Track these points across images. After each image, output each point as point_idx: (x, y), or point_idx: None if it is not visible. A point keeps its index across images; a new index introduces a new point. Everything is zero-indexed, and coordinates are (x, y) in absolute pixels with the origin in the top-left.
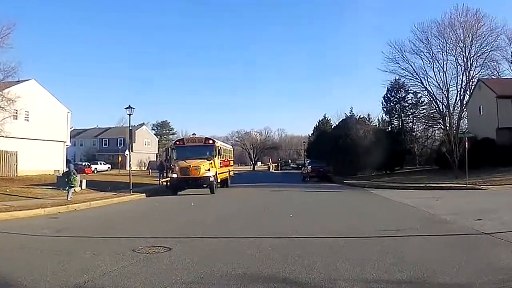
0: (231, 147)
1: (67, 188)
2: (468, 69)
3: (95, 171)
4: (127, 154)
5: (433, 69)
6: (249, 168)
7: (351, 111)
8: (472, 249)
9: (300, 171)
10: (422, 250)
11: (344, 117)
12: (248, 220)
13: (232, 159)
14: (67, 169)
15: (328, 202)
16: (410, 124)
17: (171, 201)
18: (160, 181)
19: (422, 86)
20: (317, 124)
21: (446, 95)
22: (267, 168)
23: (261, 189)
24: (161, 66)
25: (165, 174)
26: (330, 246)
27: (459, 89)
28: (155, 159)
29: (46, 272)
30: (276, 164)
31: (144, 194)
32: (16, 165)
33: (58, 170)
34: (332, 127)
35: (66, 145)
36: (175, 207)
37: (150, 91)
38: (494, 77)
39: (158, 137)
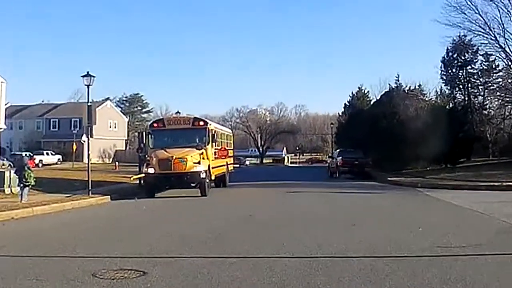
0: (230, 130)
1: (20, 187)
2: None
3: (40, 165)
4: (84, 141)
5: None
6: (255, 161)
7: (397, 80)
8: None
9: (327, 164)
10: (499, 276)
11: (388, 89)
12: (254, 233)
13: (232, 148)
14: (16, 162)
15: (365, 207)
16: (480, 98)
17: (145, 207)
18: (131, 178)
19: (498, 45)
20: (350, 99)
21: None
22: (280, 160)
23: (272, 190)
24: (129, 18)
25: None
26: (369, 269)
27: None
28: (123, 148)
29: None
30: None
31: (109, 196)
32: None
33: None
34: (371, 103)
35: (0, 128)
36: (152, 215)
37: (116, 53)
38: None
39: (128, 116)
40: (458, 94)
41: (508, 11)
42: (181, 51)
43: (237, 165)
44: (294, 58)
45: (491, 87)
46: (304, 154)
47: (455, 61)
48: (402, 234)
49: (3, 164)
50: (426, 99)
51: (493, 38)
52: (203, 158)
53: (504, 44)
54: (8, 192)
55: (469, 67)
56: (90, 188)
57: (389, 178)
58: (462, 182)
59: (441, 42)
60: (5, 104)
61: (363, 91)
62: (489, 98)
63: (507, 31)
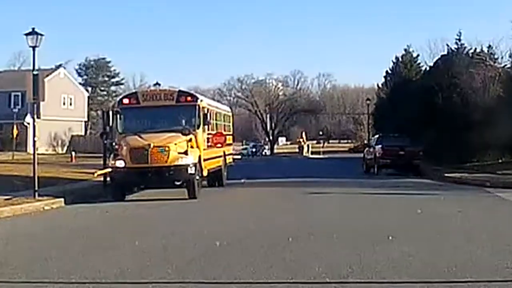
0: (228, 109)
1: None
2: None
3: None
4: (29, 123)
5: None
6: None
7: (459, 39)
8: None
9: (363, 156)
10: None
11: (445, 52)
12: (260, 250)
13: (231, 132)
14: None
15: (413, 214)
16: None
17: (112, 213)
18: (94, 175)
19: None
20: (393, 65)
21: None
22: (297, 150)
23: (286, 190)
24: None
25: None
26: None
27: None
28: (82, 133)
29: None
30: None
31: (62, 199)
32: None
33: None
34: (422, 71)
35: None
36: (121, 225)
37: (73, 3)
38: None
39: (89, 89)
40: None
41: None
42: (161, 7)
43: (254, 154)
44: (315, 10)
45: None
46: (330, 142)
47: None
48: (465, 251)
49: None
50: (498, 65)
51: None
52: (192, 147)
53: None
54: None
55: None
56: (36, 188)
57: (446, 174)
58: None
59: None
60: None
61: (410, 53)
62: None
63: None
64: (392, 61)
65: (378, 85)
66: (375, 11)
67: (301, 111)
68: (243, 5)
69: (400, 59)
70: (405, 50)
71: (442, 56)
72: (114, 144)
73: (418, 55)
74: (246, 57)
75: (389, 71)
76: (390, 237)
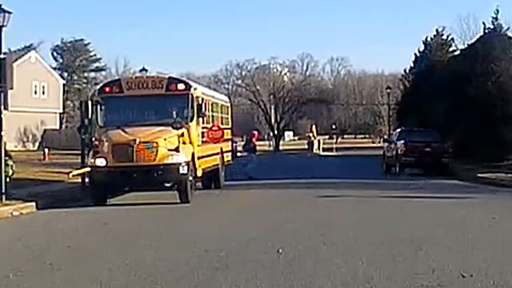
0: (226, 99)
1: None
2: None
3: None
4: None
5: None
6: (265, 145)
7: (495, 17)
8: None
9: (382, 153)
10: None
11: (482, 33)
12: (266, 264)
13: (230, 125)
14: None
15: (442, 221)
16: None
17: (92, 220)
18: (70, 175)
19: None
20: (424, 47)
21: None
22: (306, 146)
23: (293, 193)
24: None
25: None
26: None
27: None
28: (57, 126)
29: None
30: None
31: (33, 203)
32: None
33: None
34: (455, 54)
35: None
36: (102, 234)
37: None
38: None
39: (65, 76)
40: None
41: None
42: None
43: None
44: None
45: None
46: (345, 137)
47: None
48: (500, 264)
49: None
50: None
51: None
52: (184, 143)
53: None
54: None
55: None
56: (4, 191)
57: (479, 175)
58: None
59: None
60: None
61: (442, 36)
62: None
63: None
64: (423, 42)
65: (405, 71)
66: None
67: (311, 101)
68: None
69: (430, 41)
70: (437, 31)
71: (480, 37)
72: (93, 139)
73: (448, 37)
74: (247, 38)
75: (418, 55)
76: (414, 248)
